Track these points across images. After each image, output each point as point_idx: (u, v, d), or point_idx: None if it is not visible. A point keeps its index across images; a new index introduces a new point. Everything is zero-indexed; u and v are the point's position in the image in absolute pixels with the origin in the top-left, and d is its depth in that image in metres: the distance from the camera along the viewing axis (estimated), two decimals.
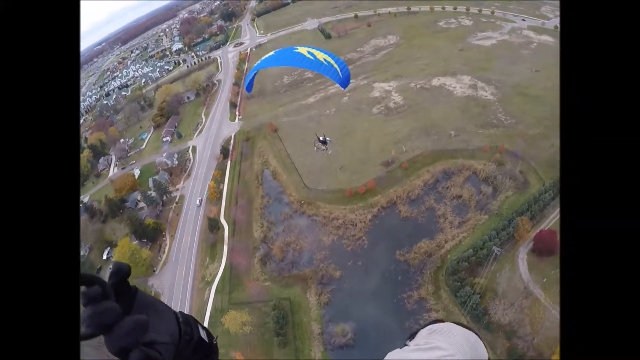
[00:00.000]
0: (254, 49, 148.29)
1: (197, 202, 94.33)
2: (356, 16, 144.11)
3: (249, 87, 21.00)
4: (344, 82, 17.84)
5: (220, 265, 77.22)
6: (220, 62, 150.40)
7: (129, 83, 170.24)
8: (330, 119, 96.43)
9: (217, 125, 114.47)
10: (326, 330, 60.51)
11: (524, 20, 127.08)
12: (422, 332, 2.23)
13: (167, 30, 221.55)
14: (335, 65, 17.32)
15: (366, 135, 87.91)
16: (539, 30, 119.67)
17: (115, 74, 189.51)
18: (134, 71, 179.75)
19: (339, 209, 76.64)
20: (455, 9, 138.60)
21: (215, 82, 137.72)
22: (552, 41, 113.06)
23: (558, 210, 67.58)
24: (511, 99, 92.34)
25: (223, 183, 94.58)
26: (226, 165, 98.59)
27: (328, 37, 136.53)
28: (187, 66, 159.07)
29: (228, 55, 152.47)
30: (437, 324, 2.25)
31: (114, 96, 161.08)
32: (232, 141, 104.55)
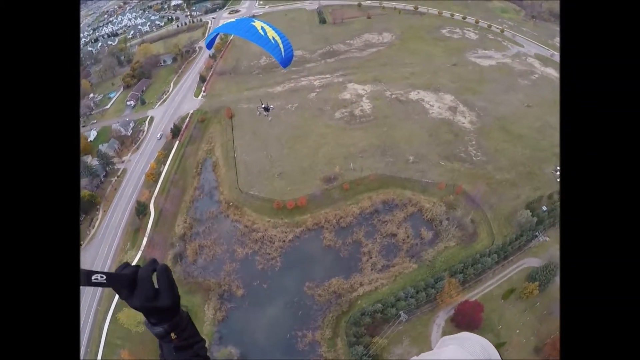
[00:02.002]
0: None
1: (158, 136, 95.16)
2: (360, 5, 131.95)
3: (209, 46, 21.87)
4: (285, 63, 18.55)
5: (137, 255, 72.40)
6: (209, 28, 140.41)
7: (119, 32, 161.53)
8: (289, 115, 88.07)
9: (180, 99, 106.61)
10: (212, 349, 56.17)
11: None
12: (437, 344, 2.41)
13: None
14: (281, 45, 17.97)
15: (318, 142, 79.66)
16: (546, 61, 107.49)
17: (110, 19, 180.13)
18: (128, 19, 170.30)
19: (262, 220, 69.86)
20: (464, 18, 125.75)
21: (197, 48, 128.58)
22: (555, 76, 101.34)
23: (494, 280, 59.71)
24: (490, 132, 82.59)
25: (164, 165, 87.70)
26: (173, 146, 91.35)
27: (323, 22, 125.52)
28: (177, 25, 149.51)
29: (219, 22, 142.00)
30: (449, 335, 2.44)
31: (100, 44, 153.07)
32: (187, 120, 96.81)
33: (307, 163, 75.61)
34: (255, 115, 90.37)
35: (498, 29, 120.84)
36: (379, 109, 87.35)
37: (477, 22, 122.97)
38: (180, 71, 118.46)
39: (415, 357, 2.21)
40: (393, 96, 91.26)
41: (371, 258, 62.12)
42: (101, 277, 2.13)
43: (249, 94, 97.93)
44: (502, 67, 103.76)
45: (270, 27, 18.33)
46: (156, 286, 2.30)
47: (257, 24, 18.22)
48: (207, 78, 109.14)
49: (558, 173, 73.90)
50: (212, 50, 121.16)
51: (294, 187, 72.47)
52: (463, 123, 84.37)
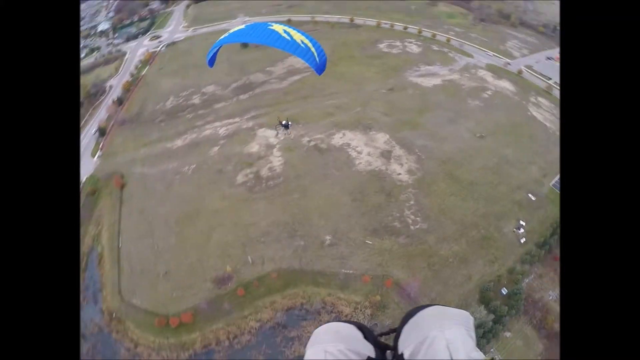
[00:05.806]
0: (163, 49, 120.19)
1: None
2: (289, 21, 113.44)
3: (211, 63, 18.84)
4: (320, 68, 16.76)
5: None
6: (126, 60, 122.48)
7: None
8: (184, 183, 72.74)
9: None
10: None
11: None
12: None
13: (111, 1, 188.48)
14: (313, 49, 16.16)
15: (211, 224, 64.63)
16: (499, 72, 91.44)
17: None
18: None
19: (146, 341, 55.83)
20: (405, 28, 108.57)
21: (108, 87, 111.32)
22: (511, 90, 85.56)
23: None
24: (433, 183, 67.58)
25: None
26: None
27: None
28: (95, 58, 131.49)
29: (138, 51, 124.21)
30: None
31: None
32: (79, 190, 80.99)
33: (196, 256, 60.67)
34: (148, 184, 74.91)
35: (444, 37, 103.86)
36: (291, 165, 71.86)
37: (419, 32, 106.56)
38: (83, 121, 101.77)
39: None
40: (311, 143, 75.52)
41: None
42: None
43: (146, 151, 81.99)
44: (449, 85, 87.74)
45: (293, 29, 15.98)
46: None
47: (277, 27, 15.77)
48: (108, 129, 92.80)
49: (521, 230, 59.48)
50: (120, 91, 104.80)
51: (180, 292, 57.88)
52: (399, 174, 68.95)
